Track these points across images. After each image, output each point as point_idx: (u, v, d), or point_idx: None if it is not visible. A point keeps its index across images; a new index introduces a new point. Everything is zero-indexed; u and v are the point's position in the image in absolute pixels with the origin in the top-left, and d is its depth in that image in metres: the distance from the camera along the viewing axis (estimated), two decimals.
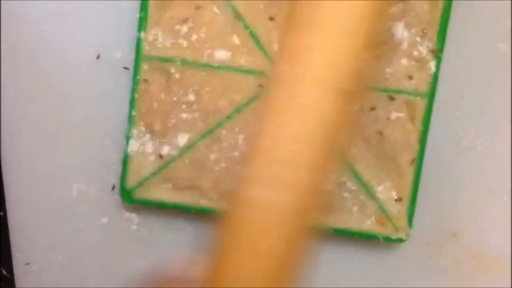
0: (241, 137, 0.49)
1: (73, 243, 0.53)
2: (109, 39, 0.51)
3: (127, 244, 0.53)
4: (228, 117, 0.49)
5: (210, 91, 0.49)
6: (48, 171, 0.53)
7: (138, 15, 0.49)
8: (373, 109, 0.48)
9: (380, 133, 0.48)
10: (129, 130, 0.50)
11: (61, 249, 0.53)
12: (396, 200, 0.49)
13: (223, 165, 0.49)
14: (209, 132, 0.49)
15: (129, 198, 0.50)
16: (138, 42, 0.49)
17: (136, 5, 0.50)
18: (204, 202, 0.50)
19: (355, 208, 0.49)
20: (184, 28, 0.49)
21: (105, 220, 0.53)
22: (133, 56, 0.50)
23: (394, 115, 0.48)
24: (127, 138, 0.50)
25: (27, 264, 0.54)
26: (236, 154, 0.49)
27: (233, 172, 0.44)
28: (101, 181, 0.52)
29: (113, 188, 0.52)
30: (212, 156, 0.49)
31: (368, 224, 0.50)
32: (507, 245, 0.52)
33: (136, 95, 0.49)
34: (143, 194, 0.50)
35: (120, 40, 0.51)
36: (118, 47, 0.51)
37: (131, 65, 0.50)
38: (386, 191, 0.49)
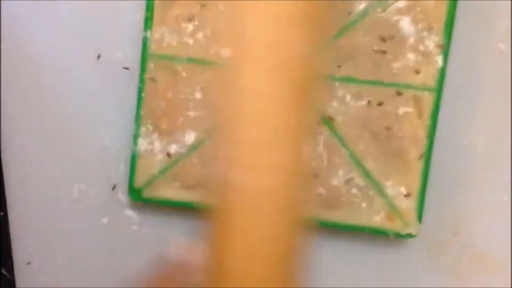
0: None
1: (73, 243, 0.53)
2: (109, 39, 0.51)
3: (127, 244, 0.53)
4: None
5: (217, 88, 0.49)
6: (48, 171, 0.53)
7: (138, 15, 0.49)
8: (380, 104, 0.48)
9: (388, 129, 0.48)
10: (137, 129, 0.50)
11: (61, 249, 0.53)
12: (405, 195, 0.49)
13: None
14: (217, 129, 0.49)
15: (138, 197, 0.50)
16: (145, 41, 0.49)
17: (137, 5, 0.50)
18: None
19: (364, 204, 0.49)
20: (190, 27, 0.49)
21: (105, 220, 0.53)
22: (133, 56, 0.50)
23: (402, 110, 0.48)
24: (135, 137, 0.50)
25: (27, 264, 0.53)
26: None
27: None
28: (101, 181, 0.52)
29: (113, 188, 0.52)
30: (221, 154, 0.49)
31: (377, 220, 0.50)
32: (507, 245, 0.52)
33: (143, 94, 0.49)
34: (151, 193, 0.50)
35: (120, 40, 0.51)
36: (119, 47, 0.51)
37: (131, 65, 0.50)
38: (394, 187, 0.49)
